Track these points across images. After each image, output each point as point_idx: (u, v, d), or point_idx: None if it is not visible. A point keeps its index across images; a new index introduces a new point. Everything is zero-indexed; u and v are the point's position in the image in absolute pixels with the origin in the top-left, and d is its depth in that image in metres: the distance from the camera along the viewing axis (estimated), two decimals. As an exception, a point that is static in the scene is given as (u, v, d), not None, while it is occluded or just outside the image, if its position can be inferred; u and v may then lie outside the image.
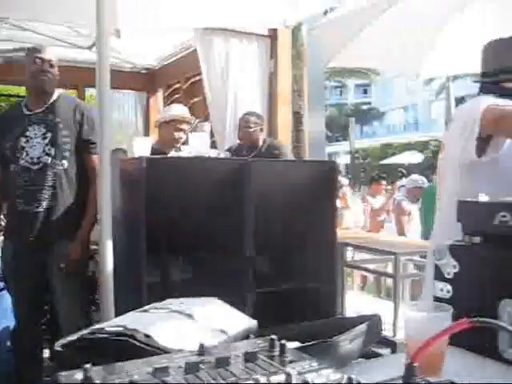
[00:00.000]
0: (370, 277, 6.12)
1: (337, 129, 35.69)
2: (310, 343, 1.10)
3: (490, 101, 1.91)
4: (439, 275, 1.25)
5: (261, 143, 4.12)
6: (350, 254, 4.17)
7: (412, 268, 3.78)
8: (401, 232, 6.54)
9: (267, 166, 3.15)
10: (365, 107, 43.60)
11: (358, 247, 3.61)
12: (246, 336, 1.31)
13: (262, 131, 4.19)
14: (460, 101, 33.01)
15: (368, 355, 1.26)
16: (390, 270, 4.81)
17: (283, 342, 0.91)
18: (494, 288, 1.14)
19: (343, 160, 24.83)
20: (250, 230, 2.86)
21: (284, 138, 5.10)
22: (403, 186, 15.78)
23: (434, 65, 4.03)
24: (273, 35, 4.85)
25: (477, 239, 1.23)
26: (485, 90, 2.08)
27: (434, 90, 34.13)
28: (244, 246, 2.86)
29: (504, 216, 1.16)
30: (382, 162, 20.34)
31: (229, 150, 4.12)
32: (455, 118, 2.14)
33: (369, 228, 6.58)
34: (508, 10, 3.13)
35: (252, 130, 4.08)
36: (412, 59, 3.99)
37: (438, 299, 1.25)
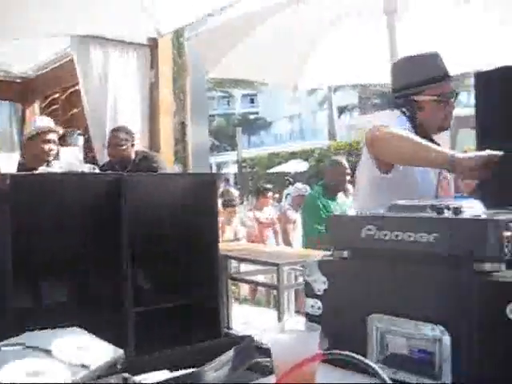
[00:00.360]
0: (261, 288, 6.13)
1: (225, 139, 35.96)
2: (174, 375, 1.03)
3: (381, 120, 2.07)
4: (310, 292, 1.23)
5: (133, 157, 3.99)
6: (236, 266, 4.13)
7: (297, 278, 3.80)
8: (286, 241, 6.64)
9: (144, 180, 3.04)
10: (252, 117, 44.25)
11: (240, 259, 3.58)
12: (112, 366, 1.22)
13: (133, 146, 4.05)
14: (342, 110, 34.53)
15: (254, 368, 1.22)
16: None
17: (139, 379, 0.83)
18: (362, 303, 1.13)
19: (232, 169, 25.02)
20: (127, 247, 2.73)
21: (167, 150, 5.01)
22: (290, 194, 16.12)
23: (311, 76, 4.12)
24: (153, 44, 4.74)
25: (345, 254, 1.22)
26: (394, 104, 2.23)
27: (318, 100, 35.44)
28: (121, 263, 2.73)
29: (370, 229, 1.15)
30: (269, 171, 20.64)
31: (101, 167, 3.96)
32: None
33: (254, 239, 6.61)
34: (380, 23, 3.26)
35: (123, 147, 3.94)
36: (290, 71, 4.05)
37: (309, 316, 1.22)
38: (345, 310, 1.15)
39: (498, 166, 1.51)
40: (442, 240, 1.03)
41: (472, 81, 2.13)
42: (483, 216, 1.03)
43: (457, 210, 1.06)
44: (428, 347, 1.01)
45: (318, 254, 3.43)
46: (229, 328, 3.47)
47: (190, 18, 3.21)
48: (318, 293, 1.21)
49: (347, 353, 0.73)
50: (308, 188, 6.85)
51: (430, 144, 1.90)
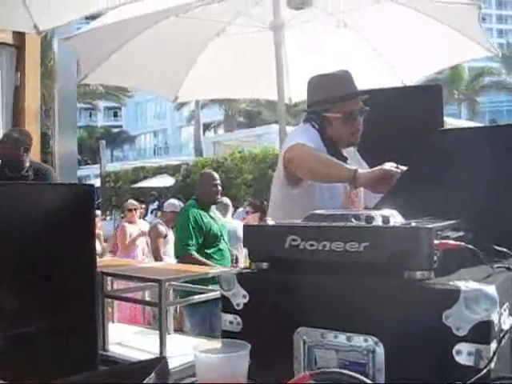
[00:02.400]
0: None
1: (86, 152, 34.69)
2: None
3: (297, 138, 2.14)
4: (228, 307, 1.15)
5: (27, 165, 3.68)
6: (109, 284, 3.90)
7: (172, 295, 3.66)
8: (156, 255, 6.46)
9: (10, 189, 2.76)
10: (115, 130, 43.16)
11: (118, 276, 3.37)
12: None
13: (27, 152, 3.73)
14: (207, 127, 34.78)
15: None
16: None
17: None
18: (287, 316, 1.08)
19: (94, 184, 24.14)
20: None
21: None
22: (156, 209, 15.82)
23: (193, 88, 4.04)
24: (19, 44, 4.38)
25: (264, 265, 1.16)
26: (307, 119, 2.34)
27: (184, 115, 35.48)
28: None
29: (294, 240, 1.11)
30: (133, 186, 20.15)
31: None
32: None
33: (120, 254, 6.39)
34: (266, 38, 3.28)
35: (11, 146, 3.64)
36: (171, 81, 3.95)
37: (227, 333, 1.15)
38: (269, 324, 1.09)
39: (400, 180, 1.56)
40: (373, 249, 1.01)
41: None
42: (414, 224, 1.03)
43: (385, 218, 1.05)
44: (360, 359, 0.98)
45: (199, 270, 3.33)
46: (105, 350, 3.25)
47: (72, 15, 2.96)
48: (237, 308, 1.14)
49: (339, 370, 0.66)
50: (182, 204, 6.74)
51: (336, 162, 2.03)
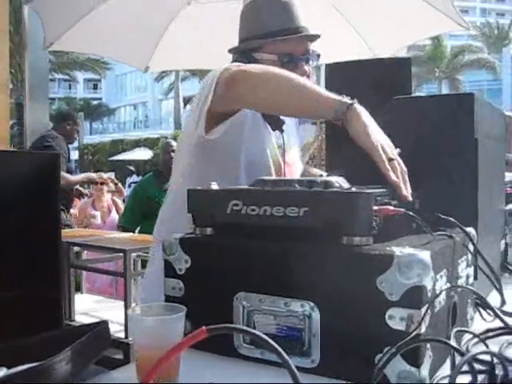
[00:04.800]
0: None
1: (65, 124, 34.24)
2: (16, 370, 0.88)
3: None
4: (171, 272, 1.14)
5: None
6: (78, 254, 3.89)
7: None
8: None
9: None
10: (95, 103, 42.62)
11: (84, 246, 3.36)
12: None
13: None
14: (188, 100, 34.42)
15: (100, 361, 1.10)
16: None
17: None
18: (228, 281, 1.06)
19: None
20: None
21: (2, 131, 4.55)
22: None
23: (164, 58, 3.97)
24: (-15, 11, 4.26)
25: (209, 230, 1.15)
26: (233, 61, 1.69)
27: (164, 88, 35.11)
28: None
29: (236, 204, 1.09)
30: (111, 159, 20.03)
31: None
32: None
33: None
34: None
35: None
36: (141, 50, 3.88)
37: (169, 298, 1.14)
38: (210, 289, 1.08)
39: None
40: (312, 214, 1.00)
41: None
42: (353, 189, 1.02)
43: (327, 184, 1.04)
44: (297, 324, 0.98)
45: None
46: (71, 320, 3.25)
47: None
48: (180, 273, 1.13)
49: (233, 326, 0.65)
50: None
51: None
